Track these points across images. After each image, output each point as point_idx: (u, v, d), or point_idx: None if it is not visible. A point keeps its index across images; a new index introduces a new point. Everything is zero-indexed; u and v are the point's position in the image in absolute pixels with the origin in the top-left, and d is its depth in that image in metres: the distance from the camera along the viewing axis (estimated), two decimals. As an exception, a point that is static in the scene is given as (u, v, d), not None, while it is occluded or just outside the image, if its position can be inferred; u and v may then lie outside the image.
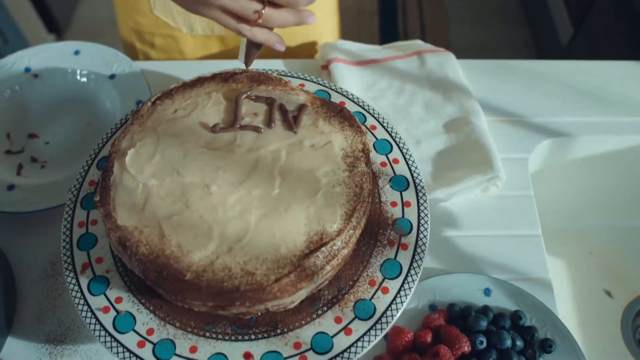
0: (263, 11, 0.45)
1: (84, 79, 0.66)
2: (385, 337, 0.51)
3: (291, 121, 0.48)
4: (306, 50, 0.82)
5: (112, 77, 0.66)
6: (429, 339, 0.50)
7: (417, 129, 0.64)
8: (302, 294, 0.43)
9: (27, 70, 0.66)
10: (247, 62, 0.50)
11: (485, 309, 0.52)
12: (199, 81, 0.52)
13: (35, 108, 0.65)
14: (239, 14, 0.45)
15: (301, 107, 0.49)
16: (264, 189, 0.44)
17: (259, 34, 0.46)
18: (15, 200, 0.57)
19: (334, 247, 0.42)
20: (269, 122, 0.48)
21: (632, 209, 0.77)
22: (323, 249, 0.42)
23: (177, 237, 0.42)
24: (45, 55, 0.67)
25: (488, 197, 0.61)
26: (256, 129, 0.48)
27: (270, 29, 0.47)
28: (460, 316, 0.52)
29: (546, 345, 0.51)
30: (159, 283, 0.41)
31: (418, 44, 0.73)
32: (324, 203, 0.44)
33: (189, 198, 0.44)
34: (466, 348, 0.49)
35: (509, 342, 0.50)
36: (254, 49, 0.49)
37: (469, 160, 0.61)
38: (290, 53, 0.79)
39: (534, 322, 0.53)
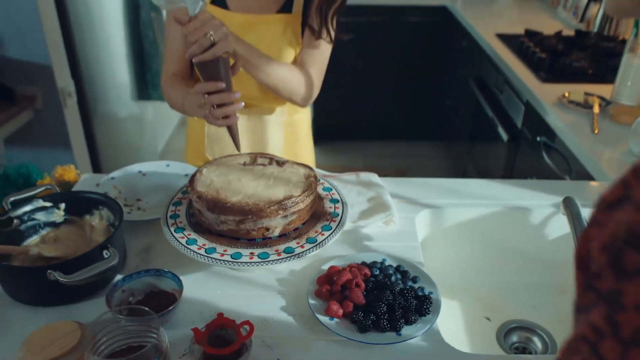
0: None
1: (170, 176, 1.21)
2: (325, 274, 0.94)
3: (280, 164, 1.01)
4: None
5: (186, 175, 1.21)
6: (349, 269, 0.93)
7: (352, 200, 1.15)
8: (279, 221, 0.90)
9: (140, 171, 1.22)
10: (238, 146, 1.05)
11: (381, 262, 0.96)
12: (239, 154, 1.07)
13: (141, 188, 1.18)
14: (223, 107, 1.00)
15: (286, 160, 1.03)
16: (265, 181, 0.95)
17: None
18: (131, 216, 1.06)
19: (296, 200, 0.91)
20: (270, 163, 1.01)
21: (499, 266, 1.21)
22: (291, 199, 0.91)
23: (224, 193, 0.91)
24: (151, 165, 1.23)
25: (390, 229, 1.09)
26: (264, 165, 1.01)
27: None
28: (367, 266, 0.96)
29: (414, 278, 0.93)
30: (214, 209, 0.89)
31: (356, 172, 1.29)
32: (293, 187, 0.94)
33: (230, 182, 0.94)
34: (367, 271, 0.92)
35: (391, 271, 0.93)
36: (232, 134, 1.04)
37: (378, 209, 1.11)
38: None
39: (408, 270, 0.95)
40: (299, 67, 1.16)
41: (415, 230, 1.10)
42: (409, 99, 3.42)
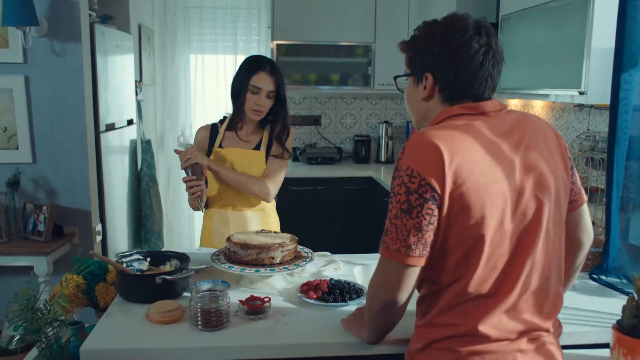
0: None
1: (203, 254, 1.96)
2: (305, 283, 1.68)
3: (275, 232, 1.81)
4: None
5: (212, 252, 1.96)
6: (317, 281, 1.68)
7: (315, 261, 1.93)
8: (279, 253, 1.67)
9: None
10: (202, 207, 1.96)
11: (336, 279, 1.71)
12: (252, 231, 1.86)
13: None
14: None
15: (278, 232, 1.83)
16: (270, 237, 1.74)
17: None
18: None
19: (287, 243, 1.70)
20: (268, 232, 1.81)
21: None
22: (284, 243, 1.69)
23: (249, 240, 1.69)
24: (191, 249, 1.98)
25: (338, 272, 1.85)
26: (267, 232, 1.80)
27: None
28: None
29: (354, 285, 1.68)
30: (244, 247, 1.66)
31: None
32: (284, 239, 1.73)
33: (250, 237, 1.73)
34: (327, 281, 1.67)
35: (341, 281, 1.68)
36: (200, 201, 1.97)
37: (330, 263, 1.89)
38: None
39: (350, 282, 1.70)
40: (263, 177, 2.13)
41: (354, 274, 1.87)
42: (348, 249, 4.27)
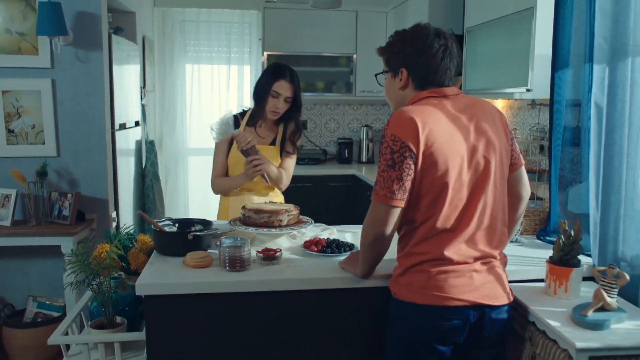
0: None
1: (223, 224, 2.33)
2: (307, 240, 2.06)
3: (280, 203, 2.20)
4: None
5: (228, 221, 2.33)
6: (317, 239, 2.07)
7: (313, 228, 2.32)
8: (286, 217, 2.06)
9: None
10: (267, 181, 2.34)
11: (333, 239, 2.10)
12: (265, 202, 2.25)
13: (204, 229, 2.29)
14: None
15: (282, 203, 2.22)
16: (277, 205, 2.13)
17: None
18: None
19: (291, 209, 2.09)
20: (274, 203, 2.20)
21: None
22: (290, 209, 2.08)
23: (262, 207, 2.07)
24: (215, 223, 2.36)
25: (332, 237, 2.24)
26: (273, 203, 2.19)
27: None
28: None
29: (347, 242, 2.07)
30: (257, 212, 2.04)
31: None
32: (289, 207, 2.12)
33: (262, 205, 2.11)
34: (326, 239, 2.06)
35: (339, 240, 2.07)
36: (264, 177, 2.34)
37: (325, 230, 2.28)
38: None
39: (344, 241, 2.09)
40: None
41: (345, 238, 2.26)
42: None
